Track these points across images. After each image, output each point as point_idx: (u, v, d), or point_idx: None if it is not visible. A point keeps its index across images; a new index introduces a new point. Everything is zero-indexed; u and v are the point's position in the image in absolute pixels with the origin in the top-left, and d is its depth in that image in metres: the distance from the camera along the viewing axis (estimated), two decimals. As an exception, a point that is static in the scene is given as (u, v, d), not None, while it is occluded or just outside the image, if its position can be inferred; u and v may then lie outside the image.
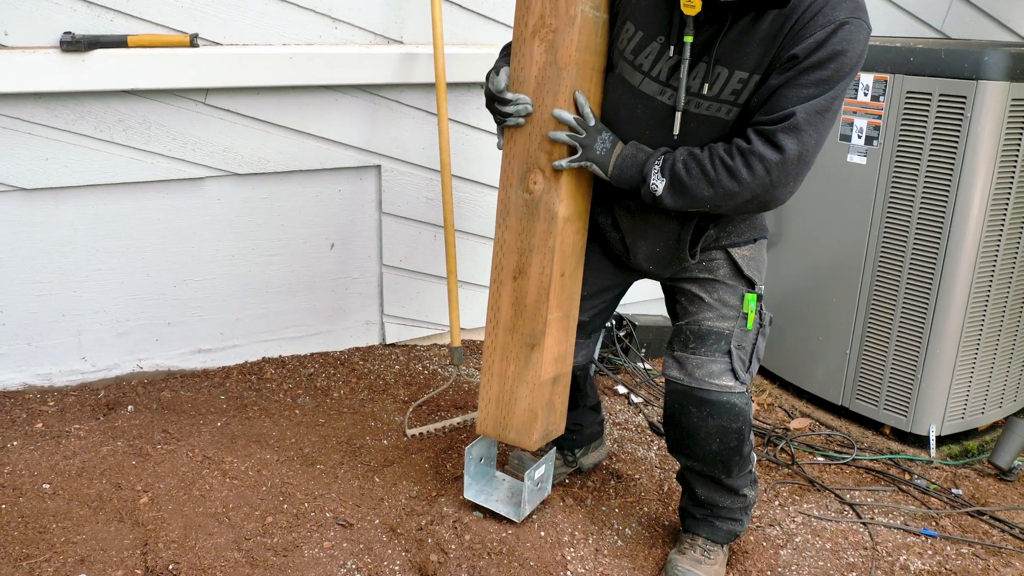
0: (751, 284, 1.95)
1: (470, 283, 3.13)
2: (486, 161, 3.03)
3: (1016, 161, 2.58)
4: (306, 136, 2.79)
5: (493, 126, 2.30)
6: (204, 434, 2.48)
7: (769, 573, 2.16)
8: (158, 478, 2.23)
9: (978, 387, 2.81)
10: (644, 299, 3.31)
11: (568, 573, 2.03)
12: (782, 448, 2.75)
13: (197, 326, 2.85)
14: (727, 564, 2.16)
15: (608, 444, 2.66)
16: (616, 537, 2.23)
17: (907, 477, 2.65)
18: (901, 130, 2.63)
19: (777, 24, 1.66)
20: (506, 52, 1.98)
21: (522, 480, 2.10)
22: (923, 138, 2.59)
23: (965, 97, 2.49)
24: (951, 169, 2.56)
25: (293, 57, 2.62)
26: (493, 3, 2.88)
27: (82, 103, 2.48)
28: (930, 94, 2.56)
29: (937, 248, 2.63)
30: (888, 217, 2.71)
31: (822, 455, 2.75)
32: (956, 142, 2.53)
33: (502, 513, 2.14)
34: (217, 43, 2.59)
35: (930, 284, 2.66)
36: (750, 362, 1.93)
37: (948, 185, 2.57)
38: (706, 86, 1.74)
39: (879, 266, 2.77)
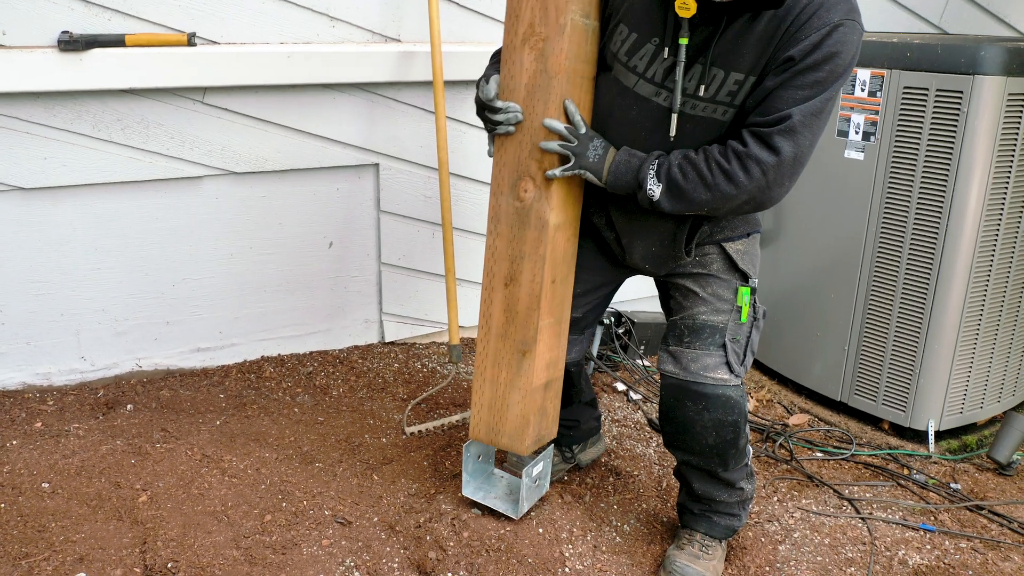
0: (745, 277, 1.96)
1: (468, 281, 3.14)
2: (484, 159, 3.03)
3: (1013, 155, 2.58)
4: (304, 135, 2.79)
5: (490, 123, 2.29)
6: (203, 433, 2.48)
7: (768, 568, 2.16)
8: (157, 477, 2.24)
9: (976, 382, 2.81)
10: (643, 296, 3.31)
11: (566, 569, 2.04)
12: (781, 444, 2.75)
13: (196, 325, 2.86)
14: (726, 560, 2.16)
15: (606, 440, 2.66)
16: (614, 533, 2.23)
17: (906, 472, 2.65)
18: (898, 125, 2.63)
19: (773, 26, 1.66)
20: (496, 60, 1.98)
21: (520, 477, 2.11)
22: (920, 133, 2.59)
23: (962, 92, 2.49)
24: (948, 164, 2.56)
25: (291, 56, 2.62)
26: (490, 1, 2.89)
27: (80, 102, 2.49)
28: (927, 89, 2.56)
29: (935, 243, 2.63)
30: (886, 212, 2.71)
31: (821, 451, 2.75)
32: (953, 137, 2.53)
33: (500, 510, 2.14)
34: (215, 42, 2.59)
35: (928, 279, 2.66)
36: (744, 355, 1.94)
37: (945, 180, 2.57)
38: (702, 88, 1.74)
39: (877, 261, 2.77)
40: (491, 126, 1.93)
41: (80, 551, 1.94)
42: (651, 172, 1.79)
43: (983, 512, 2.46)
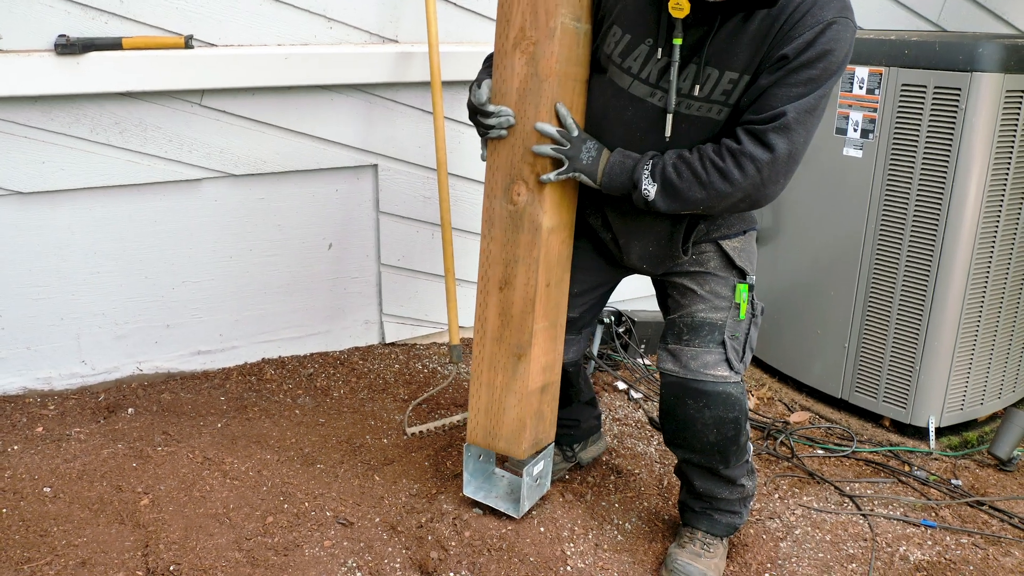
0: (742, 274, 1.96)
1: (468, 281, 3.14)
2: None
3: (1011, 152, 2.58)
4: (302, 136, 2.79)
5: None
6: (204, 435, 2.48)
7: (769, 565, 2.17)
8: (159, 480, 2.24)
9: (977, 378, 2.82)
10: (643, 295, 3.31)
11: (568, 568, 2.04)
12: (782, 441, 2.75)
13: (196, 328, 2.86)
14: (727, 557, 2.16)
15: (607, 438, 2.67)
16: (616, 532, 2.23)
17: (907, 468, 2.65)
18: (896, 123, 2.64)
19: (766, 24, 1.67)
20: (488, 64, 1.98)
21: (521, 476, 2.11)
22: (918, 131, 2.59)
23: (960, 89, 2.49)
24: (947, 161, 2.56)
25: (288, 57, 2.62)
26: (488, 1, 2.89)
27: (78, 106, 2.49)
28: (925, 87, 2.56)
29: (934, 240, 2.63)
30: (885, 210, 2.72)
31: (822, 448, 2.75)
32: (951, 134, 2.53)
33: (502, 509, 2.14)
34: (212, 44, 2.59)
35: (927, 276, 2.67)
36: (744, 352, 1.94)
37: (944, 177, 2.57)
38: (697, 87, 1.75)
39: (876, 259, 2.77)
40: (483, 130, 1.94)
41: (82, 555, 1.94)
42: (646, 172, 1.79)
43: (984, 508, 2.47)
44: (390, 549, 2.06)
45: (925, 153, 2.59)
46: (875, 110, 2.68)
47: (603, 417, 2.76)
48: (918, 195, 2.64)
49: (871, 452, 2.74)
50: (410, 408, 2.72)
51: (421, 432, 2.61)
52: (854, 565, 2.19)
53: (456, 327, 2.76)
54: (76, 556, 1.94)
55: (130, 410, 2.61)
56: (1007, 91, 2.49)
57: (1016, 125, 2.56)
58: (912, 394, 2.77)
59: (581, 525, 2.21)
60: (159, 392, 2.74)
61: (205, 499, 2.18)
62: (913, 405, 2.78)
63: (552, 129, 1.85)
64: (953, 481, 2.58)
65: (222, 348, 2.92)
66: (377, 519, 2.17)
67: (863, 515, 2.40)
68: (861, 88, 2.71)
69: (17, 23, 2.36)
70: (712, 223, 1.95)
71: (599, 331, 3.23)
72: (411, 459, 2.47)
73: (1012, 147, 2.57)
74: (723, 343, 1.92)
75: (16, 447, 2.36)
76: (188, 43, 2.50)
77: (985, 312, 2.74)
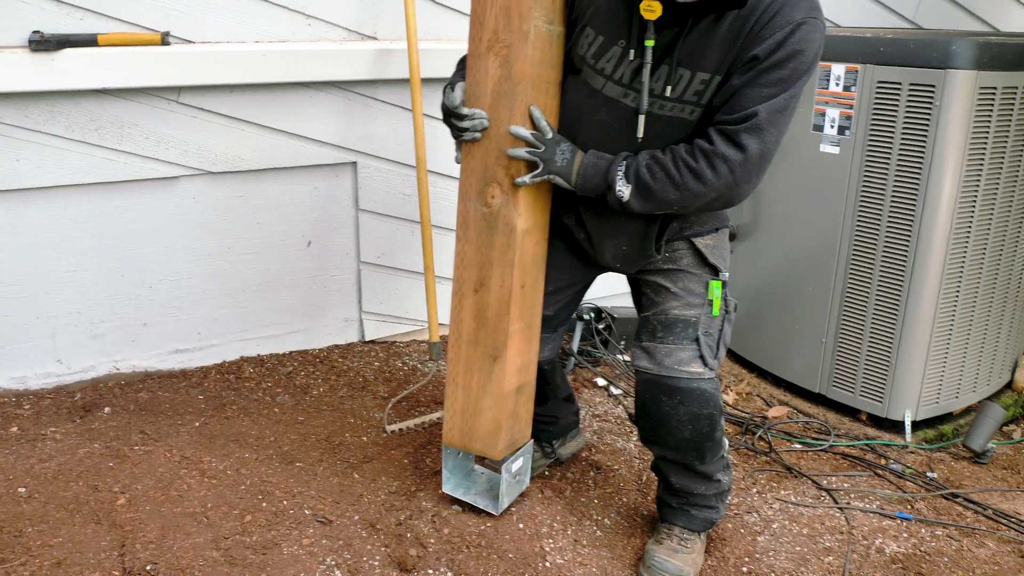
0: (715, 271, 1.98)
1: (448, 278, 3.12)
2: (462, 156, 3.03)
3: (985, 148, 2.61)
4: (281, 133, 2.78)
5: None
6: (182, 434, 2.47)
7: (747, 559, 2.18)
8: (135, 479, 2.22)
9: (952, 372, 2.85)
10: (622, 292, 3.31)
11: (547, 564, 2.05)
12: (760, 436, 2.77)
13: (174, 326, 2.84)
14: (706, 551, 2.18)
15: (586, 434, 2.68)
16: (595, 527, 2.24)
17: (883, 462, 2.68)
18: (872, 119, 2.66)
19: (737, 25, 1.69)
20: (462, 66, 1.99)
21: (500, 473, 2.11)
22: (894, 127, 2.62)
23: (934, 86, 2.52)
24: (922, 157, 2.58)
25: (266, 54, 2.61)
26: (466, -2, 2.89)
27: (53, 103, 2.46)
28: (900, 84, 2.58)
29: (909, 235, 2.66)
30: (861, 206, 2.74)
31: (799, 442, 2.78)
32: (926, 130, 2.56)
33: (481, 506, 2.15)
34: (189, 41, 2.57)
35: (903, 271, 2.69)
36: (718, 348, 1.96)
37: (919, 173, 2.60)
38: (669, 88, 1.76)
39: (853, 254, 2.79)
40: (457, 133, 1.94)
41: (57, 555, 1.93)
42: (619, 173, 1.80)
43: (958, 500, 2.50)
44: (369, 547, 2.06)
45: (900, 149, 2.62)
46: (851, 107, 2.70)
47: (582, 413, 2.77)
48: (894, 191, 2.66)
49: (848, 446, 2.76)
50: (389, 406, 2.72)
51: (400, 430, 2.61)
52: (831, 558, 2.21)
53: (436, 324, 2.76)
54: (51, 556, 1.92)
55: (107, 409, 2.60)
56: (980, 88, 2.52)
57: (989, 121, 2.58)
58: (888, 388, 2.80)
59: (560, 521, 2.21)
60: (136, 391, 2.72)
61: (183, 498, 2.17)
62: (889, 399, 2.80)
63: (526, 132, 1.86)
64: (928, 474, 2.60)
65: (200, 346, 2.90)
66: (356, 517, 2.17)
67: (840, 508, 2.42)
68: (838, 85, 2.73)
69: (-11, 19, 2.33)
70: (685, 221, 1.96)
71: (579, 327, 3.24)
72: (390, 457, 2.47)
73: (986, 143, 2.60)
74: (697, 340, 1.93)
75: (-9, 447, 2.34)
76: (165, 40, 2.48)
77: (960, 307, 2.77)
